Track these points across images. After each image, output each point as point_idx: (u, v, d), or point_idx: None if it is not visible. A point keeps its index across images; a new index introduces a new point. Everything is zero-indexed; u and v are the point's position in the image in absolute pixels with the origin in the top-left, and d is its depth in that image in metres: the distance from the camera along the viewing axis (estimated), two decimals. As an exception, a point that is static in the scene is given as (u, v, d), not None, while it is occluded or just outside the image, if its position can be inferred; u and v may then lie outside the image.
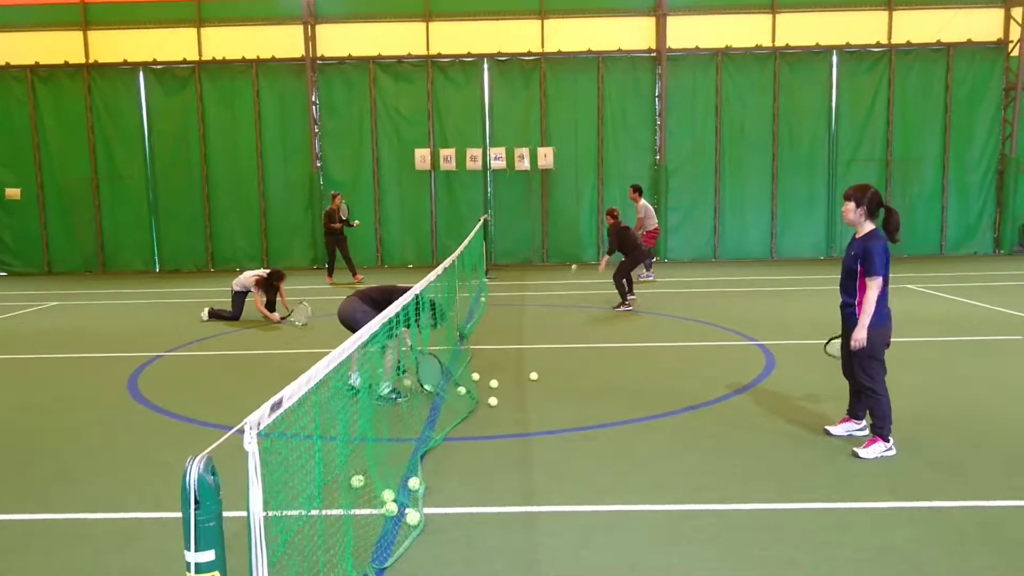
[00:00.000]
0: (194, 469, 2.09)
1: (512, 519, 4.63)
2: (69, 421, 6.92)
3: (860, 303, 5.52)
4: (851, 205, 5.55)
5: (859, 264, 5.49)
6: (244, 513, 2.45)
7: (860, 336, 5.49)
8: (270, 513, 2.85)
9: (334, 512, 4.23)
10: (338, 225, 16.12)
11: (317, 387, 3.15)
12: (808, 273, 16.62)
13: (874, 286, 5.43)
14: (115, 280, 18.40)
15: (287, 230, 19.99)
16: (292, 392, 2.80)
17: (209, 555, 2.09)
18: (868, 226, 5.55)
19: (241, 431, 2.45)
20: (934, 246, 19.78)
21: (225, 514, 2.29)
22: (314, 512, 3.38)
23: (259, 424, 2.46)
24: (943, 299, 12.52)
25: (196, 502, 2.07)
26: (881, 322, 5.50)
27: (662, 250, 19.44)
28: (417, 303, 6.88)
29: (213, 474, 2.15)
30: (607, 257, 12.57)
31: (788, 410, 6.65)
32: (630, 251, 12.30)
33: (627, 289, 12.19)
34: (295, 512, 3.22)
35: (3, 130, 19.76)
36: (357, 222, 16.73)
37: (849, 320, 5.67)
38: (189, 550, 2.08)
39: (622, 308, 12.03)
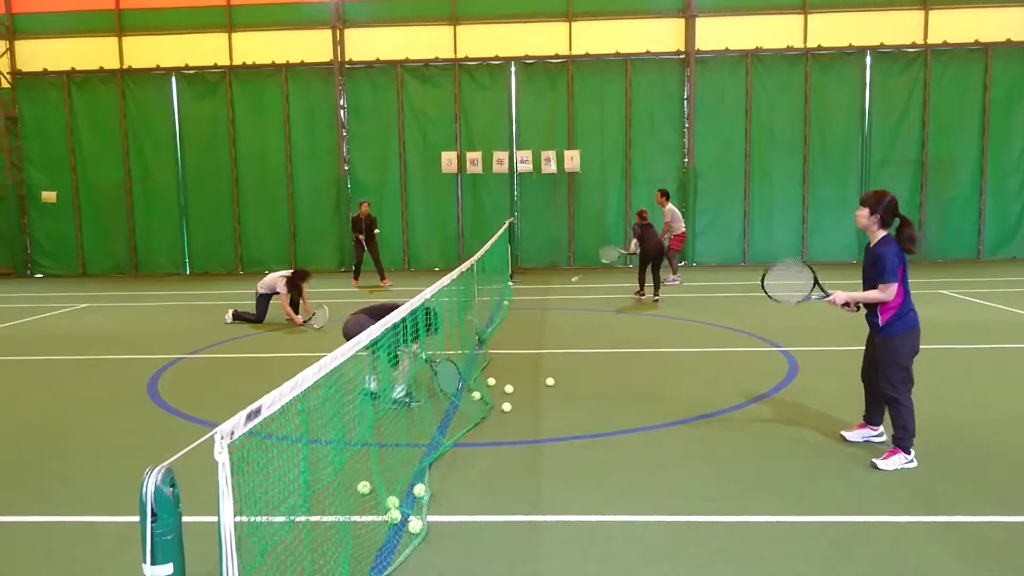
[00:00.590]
0: (151, 481, 2.05)
1: (516, 527, 4.55)
2: (85, 423, 6.98)
3: (883, 310, 5.38)
4: (865, 211, 5.40)
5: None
6: (230, 521, 2.41)
7: (842, 295, 5.54)
8: (245, 518, 2.80)
9: (327, 519, 4.18)
10: (361, 235, 16.31)
11: (304, 394, 3.10)
12: (838, 277, 16.20)
13: (887, 291, 5.28)
14: (146, 282, 18.68)
15: (315, 233, 20.12)
16: (272, 400, 2.75)
17: (167, 568, 2.05)
18: (880, 233, 5.39)
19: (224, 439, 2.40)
20: (971, 250, 19.28)
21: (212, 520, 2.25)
22: (300, 519, 3.32)
23: (231, 433, 2.42)
24: (977, 304, 12.18)
25: (153, 514, 2.04)
26: (907, 328, 5.34)
27: (690, 254, 19.21)
28: (427, 314, 6.84)
29: (172, 486, 2.11)
30: (635, 241, 13.30)
31: (807, 419, 6.49)
32: (644, 246, 13.08)
33: (654, 292, 13.06)
34: (278, 519, 3.16)
35: (40, 134, 20.18)
36: (377, 230, 16.73)
37: (873, 329, 5.52)
38: (146, 563, 2.04)
39: (641, 298, 13.12)
